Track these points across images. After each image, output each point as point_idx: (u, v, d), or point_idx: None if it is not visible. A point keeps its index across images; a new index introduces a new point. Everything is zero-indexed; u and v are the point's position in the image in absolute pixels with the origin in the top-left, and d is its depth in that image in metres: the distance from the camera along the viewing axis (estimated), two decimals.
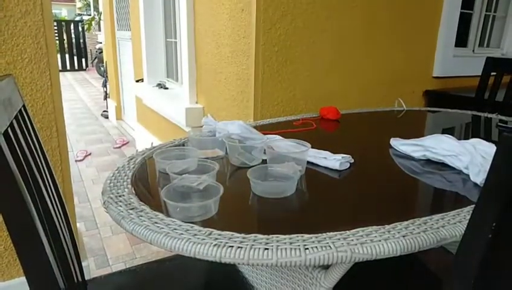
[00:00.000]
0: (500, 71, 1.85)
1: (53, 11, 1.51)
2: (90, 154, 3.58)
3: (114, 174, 0.85)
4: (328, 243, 0.57)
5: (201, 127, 1.27)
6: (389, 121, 1.61)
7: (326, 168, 0.93)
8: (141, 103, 3.26)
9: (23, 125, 0.73)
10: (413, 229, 0.62)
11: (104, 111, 5.08)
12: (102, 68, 6.77)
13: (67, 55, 10.10)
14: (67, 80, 8.74)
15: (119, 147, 3.81)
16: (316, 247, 0.56)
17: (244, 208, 0.77)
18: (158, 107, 2.86)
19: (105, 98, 5.32)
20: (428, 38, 2.25)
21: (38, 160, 0.74)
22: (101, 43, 7.14)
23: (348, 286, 0.69)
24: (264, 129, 1.21)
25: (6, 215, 0.56)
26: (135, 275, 1.01)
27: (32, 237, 0.57)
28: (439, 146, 0.97)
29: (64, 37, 9.86)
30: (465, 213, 0.69)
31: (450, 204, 0.84)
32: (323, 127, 1.42)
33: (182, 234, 0.60)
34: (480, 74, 1.90)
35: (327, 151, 0.96)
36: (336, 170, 0.92)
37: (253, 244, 0.57)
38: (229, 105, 1.98)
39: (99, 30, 6.86)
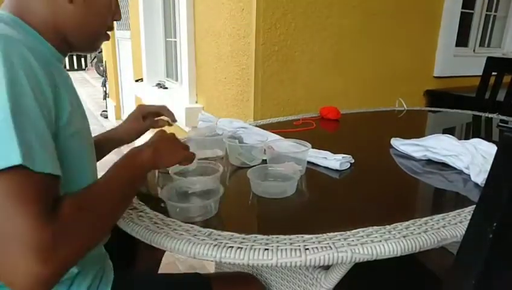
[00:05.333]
0: (500, 71, 1.85)
1: None
2: None
3: None
4: (328, 243, 0.57)
5: (198, 123, 1.27)
6: (389, 121, 1.60)
7: (326, 168, 0.93)
8: (141, 102, 3.26)
9: None
10: (414, 229, 0.62)
11: (103, 111, 5.07)
12: (101, 68, 6.78)
13: None
14: None
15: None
16: (317, 247, 0.56)
17: (244, 208, 0.76)
18: None
19: (105, 97, 5.32)
20: (428, 38, 2.24)
21: None
22: None
23: (348, 287, 0.69)
24: (264, 129, 1.21)
25: None
26: None
27: None
28: (439, 146, 0.97)
29: None
30: (466, 213, 0.69)
31: (450, 204, 0.84)
32: (323, 127, 1.42)
33: (182, 234, 0.60)
34: (481, 73, 1.89)
35: (327, 151, 0.96)
36: (336, 170, 0.91)
37: (253, 245, 0.57)
38: (229, 105, 1.97)
39: None
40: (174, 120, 1.00)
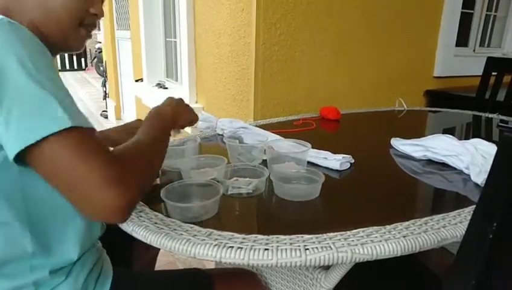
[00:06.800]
0: (500, 71, 1.85)
1: None
2: None
3: None
4: (328, 243, 0.57)
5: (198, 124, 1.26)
6: (389, 121, 1.60)
7: (326, 168, 0.93)
8: (141, 102, 3.26)
9: None
10: (414, 229, 0.62)
11: (103, 111, 5.07)
12: (101, 68, 6.78)
13: (66, 55, 10.11)
14: (67, 80, 8.73)
15: None
16: (317, 247, 0.56)
17: (245, 209, 0.76)
18: None
19: (105, 97, 5.32)
20: (429, 38, 2.24)
21: None
22: (100, 42, 7.13)
23: (348, 287, 0.69)
24: (264, 129, 1.21)
25: None
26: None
27: None
28: (439, 146, 0.97)
29: None
30: (466, 213, 0.69)
31: (450, 204, 0.84)
32: (323, 127, 1.42)
33: (182, 234, 0.60)
34: (481, 73, 1.89)
35: (327, 152, 0.96)
36: (337, 170, 0.91)
37: (253, 245, 0.57)
38: (229, 105, 1.97)
39: (99, 29, 6.88)
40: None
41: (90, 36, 0.72)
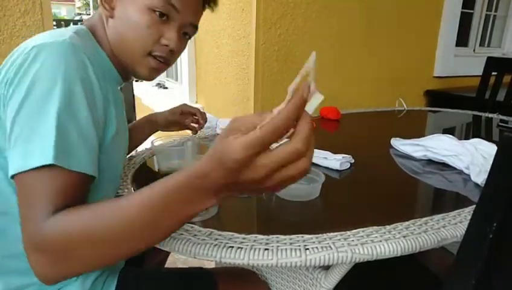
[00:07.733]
0: (500, 71, 1.85)
1: (52, 10, 1.51)
2: None
3: None
4: (328, 243, 0.57)
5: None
6: (389, 121, 1.60)
7: (326, 168, 0.93)
8: (140, 102, 3.26)
9: None
10: (414, 229, 0.62)
11: None
12: None
13: None
14: None
15: None
16: (317, 247, 0.56)
17: (245, 209, 0.76)
18: (157, 107, 2.85)
19: None
20: (429, 38, 2.24)
21: None
22: None
23: (348, 287, 0.69)
24: None
25: None
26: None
27: None
28: (439, 146, 0.97)
29: None
30: (466, 213, 0.69)
31: (450, 204, 0.84)
32: (323, 127, 1.42)
33: (182, 234, 0.60)
34: (481, 73, 1.89)
35: (327, 152, 0.96)
36: (337, 170, 0.91)
37: (253, 245, 0.57)
38: (229, 105, 1.97)
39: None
40: (200, 128, 1.04)
41: (161, 67, 0.69)
